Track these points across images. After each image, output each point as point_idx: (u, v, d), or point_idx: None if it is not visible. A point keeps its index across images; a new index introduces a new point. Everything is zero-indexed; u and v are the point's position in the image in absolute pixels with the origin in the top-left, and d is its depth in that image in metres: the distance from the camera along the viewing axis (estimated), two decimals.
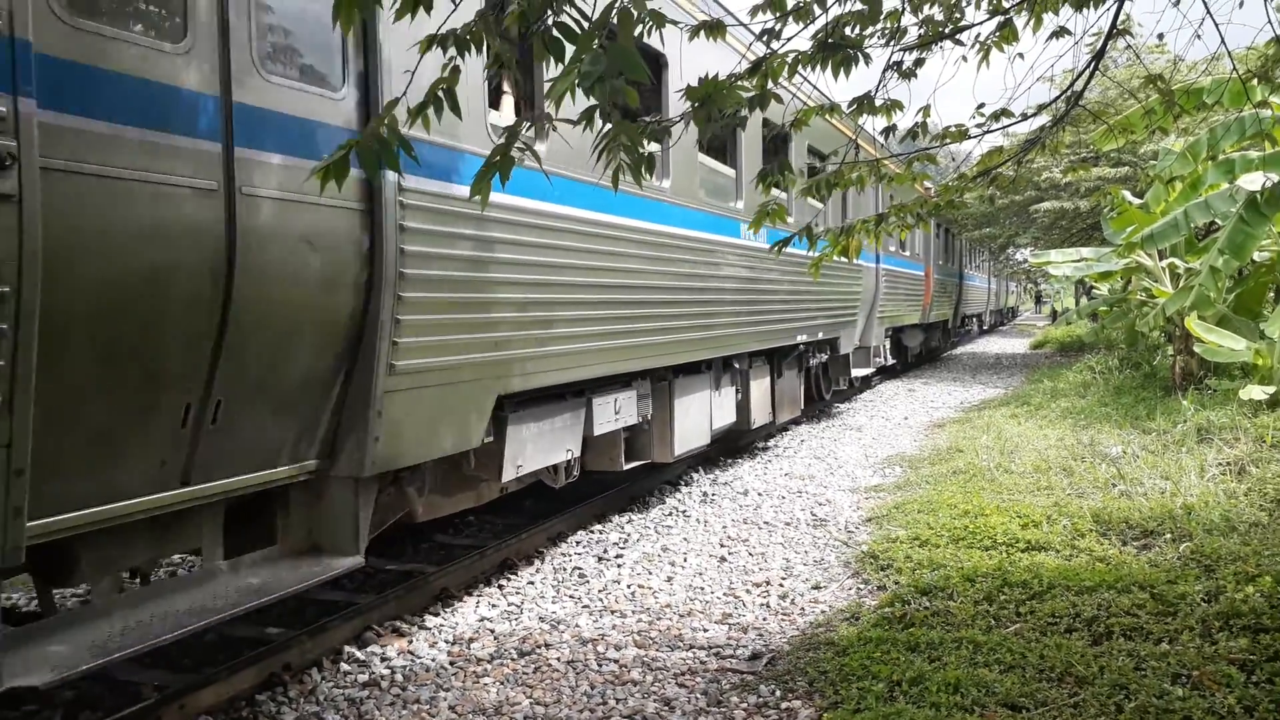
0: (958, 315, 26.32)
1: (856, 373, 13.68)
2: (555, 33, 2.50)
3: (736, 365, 8.80)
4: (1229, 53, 4.77)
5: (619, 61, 2.36)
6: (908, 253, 17.32)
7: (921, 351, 21.57)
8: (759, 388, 9.45)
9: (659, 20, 2.75)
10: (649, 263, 6.55)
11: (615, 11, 2.57)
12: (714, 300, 7.71)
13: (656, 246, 6.67)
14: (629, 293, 6.28)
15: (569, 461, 6.09)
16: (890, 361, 16.69)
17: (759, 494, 8.21)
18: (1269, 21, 4.75)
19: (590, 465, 6.74)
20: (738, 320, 8.26)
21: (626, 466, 7.02)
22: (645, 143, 3.21)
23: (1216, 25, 4.31)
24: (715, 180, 8.09)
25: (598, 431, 6.24)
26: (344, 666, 4.52)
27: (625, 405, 6.65)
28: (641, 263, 6.43)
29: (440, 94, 2.65)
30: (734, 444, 10.24)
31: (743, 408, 9.06)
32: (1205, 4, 4.25)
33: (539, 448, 5.66)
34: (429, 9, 2.52)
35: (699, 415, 7.87)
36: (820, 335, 11.01)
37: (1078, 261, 14.46)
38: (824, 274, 10.35)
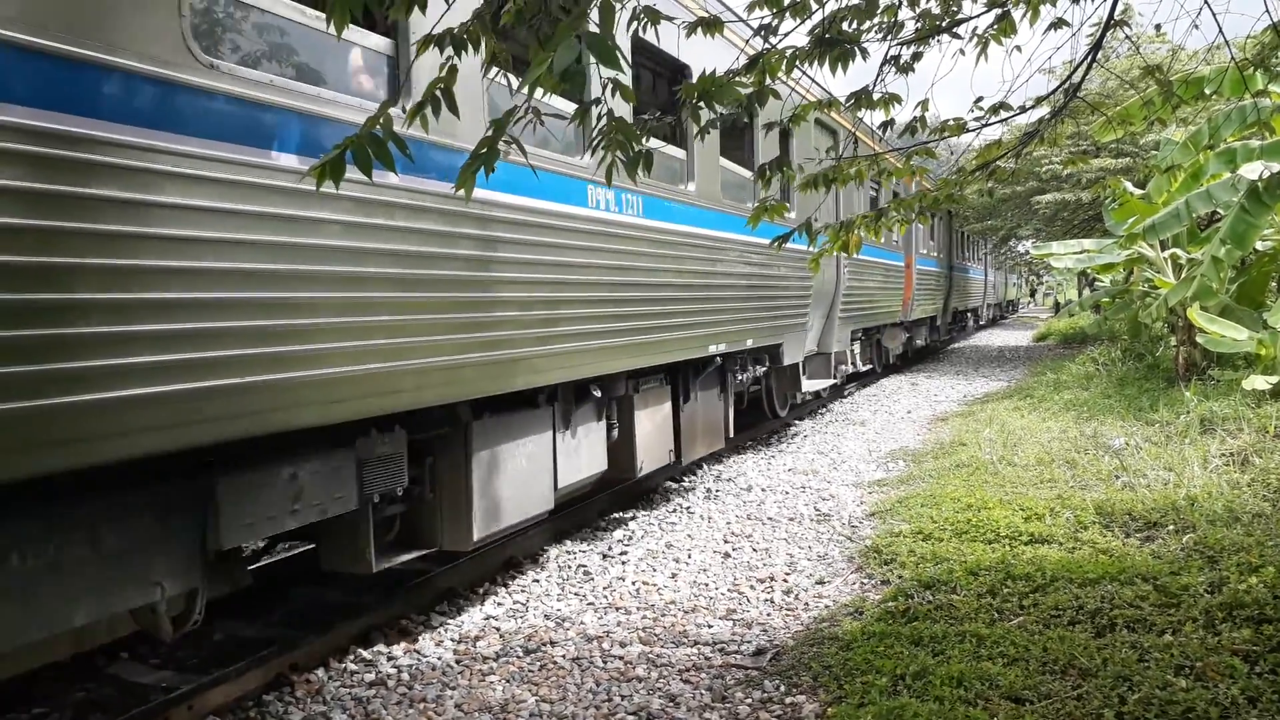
0: (948, 310, 23.54)
1: (810, 386, 11.06)
2: (549, 30, 2.50)
3: (599, 393, 6.31)
4: (1226, 41, 4.76)
5: (595, 51, 2.32)
6: (882, 240, 15.32)
7: (906, 352, 19.27)
8: (651, 419, 7.06)
9: (653, 17, 2.75)
10: (393, 238, 3.99)
11: (597, 3, 2.54)
12: (545, 301, 5.12)
13: (402, 212, 4.04)
14: (330, 289, 3.66)
15: (160, 601, 3.51)
16: (863, 368, 14.70)
17: (762, 490, 8.22)
18: (1266, 9, 4.73)
19: (327, 564, 4.61)
20: (599, 329, 5.70)
21: (379, 568, 4.55)
22: (644, 139, 3.21)
23: (1214, 14, 4.31)
24: (547, 123, 4.74)
25: (231, 542, 3.68)
26: (350, 666, 4.54)
27: (319, 483, 4.02)
28: (367, 238, 3.85)
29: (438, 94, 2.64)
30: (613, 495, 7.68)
31: (621, 449, 6.70)
32: None
33: (59, 597, 3.14)
34: (424, 8, 2.53)
35: (527, 472, 5.41)
36: (751, 343, 8.43)
37: (1080, 253, 14.43)
38: (755, 263, 8.32)
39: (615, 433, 6.64)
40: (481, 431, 5.01)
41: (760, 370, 9.46)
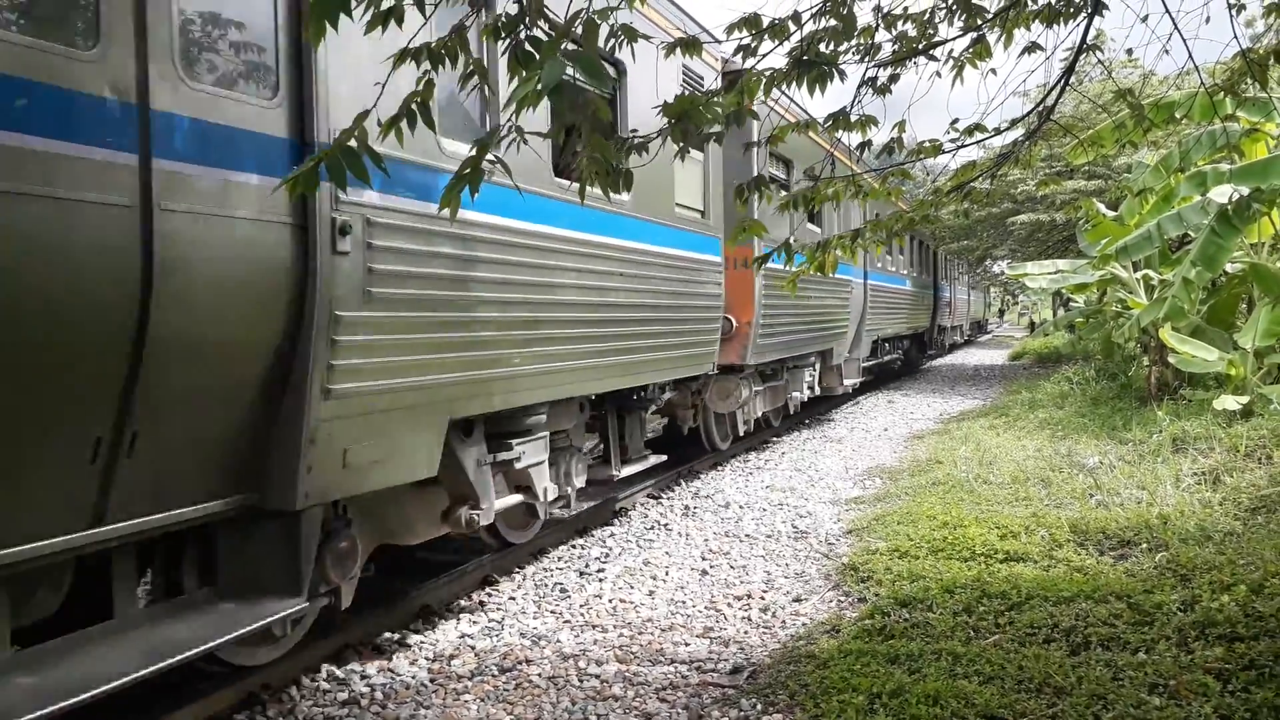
0: (862, 341, 14.97)
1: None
2: (528, 47, 2.51)
3: None
4: (1196, 67, 4.85)
5: (582, 68, 2.33)
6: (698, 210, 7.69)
7: (788, 409, 12.26)
8: None
9: (630, 34, 2.77)
10: None
11: (580, 22, 2.57)
12: None
13: None
14: None
15: None
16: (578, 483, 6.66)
17: (740, 506, 8.21)
18: (1235, 36, 4.83)
19: None
20: None
21: None
22: (623, 158, 3.23)
23: (1184, 41, 4.38)
24: None
25: None
26: (323, 685, 4.48)
27: None
28: None
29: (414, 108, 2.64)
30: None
31: None
32: (1173, 20, 4.32)
33: None
34: (400, 22, 2.53)
35: None
36: None
37: (1054, 274, 14.62)
38: None
39: None
40: None
41: None
